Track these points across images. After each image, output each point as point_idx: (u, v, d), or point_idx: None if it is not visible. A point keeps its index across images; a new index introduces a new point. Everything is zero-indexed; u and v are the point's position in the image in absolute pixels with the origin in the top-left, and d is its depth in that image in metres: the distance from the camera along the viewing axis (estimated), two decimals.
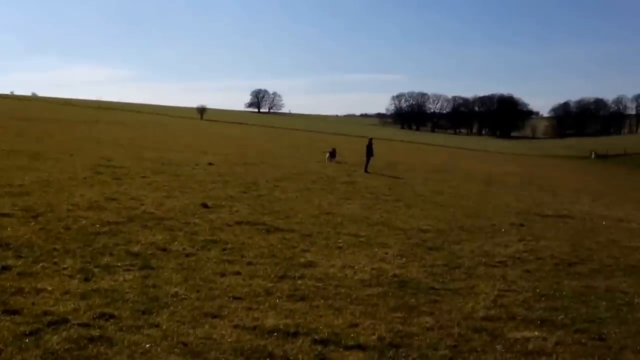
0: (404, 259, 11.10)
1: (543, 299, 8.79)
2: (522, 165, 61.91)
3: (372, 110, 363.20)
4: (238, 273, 9.35)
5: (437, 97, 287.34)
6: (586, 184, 39.59)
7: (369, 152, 33.34)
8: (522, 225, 16.34)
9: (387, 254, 11.52)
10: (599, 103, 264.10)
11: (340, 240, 12.50)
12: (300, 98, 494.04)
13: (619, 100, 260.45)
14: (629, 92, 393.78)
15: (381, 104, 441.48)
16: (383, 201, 19.96)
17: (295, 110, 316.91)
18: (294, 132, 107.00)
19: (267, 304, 7.95)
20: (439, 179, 32.77)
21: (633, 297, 9.09)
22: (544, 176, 45.53)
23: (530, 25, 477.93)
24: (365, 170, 32.18)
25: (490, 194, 26.05)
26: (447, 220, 16.51)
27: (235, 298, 8.10)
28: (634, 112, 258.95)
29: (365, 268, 10.23)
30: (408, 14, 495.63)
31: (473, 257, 11.55)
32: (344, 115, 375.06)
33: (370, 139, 34.89)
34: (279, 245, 11.58)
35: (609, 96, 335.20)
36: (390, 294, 8.75)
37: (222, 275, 9.17)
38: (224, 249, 10.85)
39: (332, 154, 38.96)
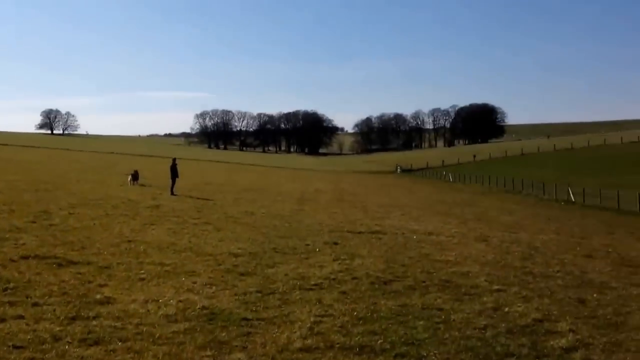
0: (214, 288, 10.52)
1: (361, 322, 8.69)
2: (332, 182, 64.20)
3: (177, 129, 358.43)
4: (21, 317, 8.31)
5: (242, 115, 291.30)
6: (395, 199, 41.84)
7: (174, 173, 32.46)
8: (335, 243, 16.52)
9: (195, 283, 10.86)
10: (399, 118, 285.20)
11: (142, 271, 11.62)
12: (98, 118, 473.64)
13: (416, 115, 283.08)
14: (425, 107, 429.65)
15: (186, 123, 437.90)
16: (191, 225, 19.23)
17: (93, 131, 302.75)
18: (92, 154, 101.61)
19: (54, 352, 7.05)
20: (250, 199, 32.63)
21: (449, 314, 9.31)
22: (354, 192, 47.45)
23: (333, 40, 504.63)
24: (172, 193, 31.18)
25: (303, 212, 26.34)
26: (259, 242, 16.21)
27: (15, 347, 7.14)
28: (431, 126, 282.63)
29: (171, 301, 9.51)
30: (205, 31, 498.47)
31: (288, 281, 11.28)
32: (147, 136, 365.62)
33: (174, 160, 34.04)
34: (72, 281, 10.49)
35: (407, 111, 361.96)
36: (198, 329, 8.13)
37: (1, 320, 8.06)
38: (5, 289, 9.64)
39: (135, 177, 37.39)
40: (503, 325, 8.83)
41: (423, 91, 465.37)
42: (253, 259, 13.45)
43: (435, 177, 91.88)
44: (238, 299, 9.75)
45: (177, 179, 32.59)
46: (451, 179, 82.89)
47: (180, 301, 9.53)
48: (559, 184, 56.42)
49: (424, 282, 11.81)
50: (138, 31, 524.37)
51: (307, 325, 8.37)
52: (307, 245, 16.04)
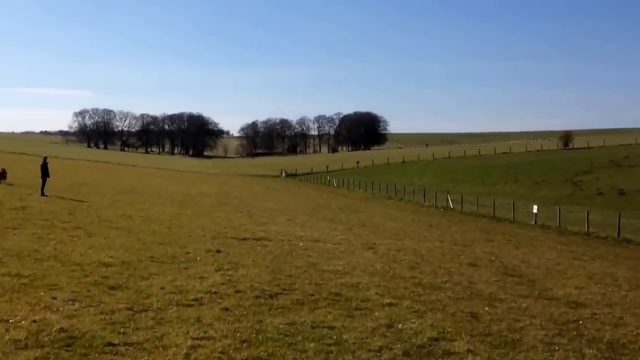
0: (77, 305, 9.14)
1: (245, 345, 7.63)
2: (216, 185, 62.50)
3: (55, 127, 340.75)
4: None
5: (125, 115, 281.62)
6: (280, 203, 41.01)
7: (44, 172, 30.02)
8: (218, 251, 15.37)
9: (55, 299, 9.43)
10: (285, 123, 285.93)
11: None
12: None
13: (302, 121, 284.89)
14: (310, 114, 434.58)
15: (64, 122, 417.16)
16: (60, 229, 17.42)
17: None
18: None
19: None
20: (129, 201, 30.69)
21: (341, 333, 8.45)
22: (238, 196, 46.18)
23: (223, 44, 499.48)
24: (42, 194, 28.76)
25: (184, 217, 24.89)
26: (135, 249, 14.78)
27: None
28: (316, 132, 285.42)
29: (23, 322, 8.08)
30: (88, 28, 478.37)
31: (163, 296, 10.05)
32: (22, 133, 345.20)
33: (45, 158, 31.59)
34: None
35: (293, 117, 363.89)
36: (52, 358, 6.83)
37: None
38: None
39: (2, 175, 34.42)
40: (399, 345, 8.09)
41: (308, 98, 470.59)
42: (126, 270, 12.07)
43: (319, 182, 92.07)
44: (104, 319, 8.44)
45: (48, 178, 30.18)
46: (335, 184, 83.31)
47: (34, 321, 8.12)
48: (438, 191, 57.89)
49: (313, 295, 10.96)
50: (18, 26, 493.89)
51: (183, 352, 7.22)
52: (188, 253, 14.79)
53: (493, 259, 18.68)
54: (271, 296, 10.64)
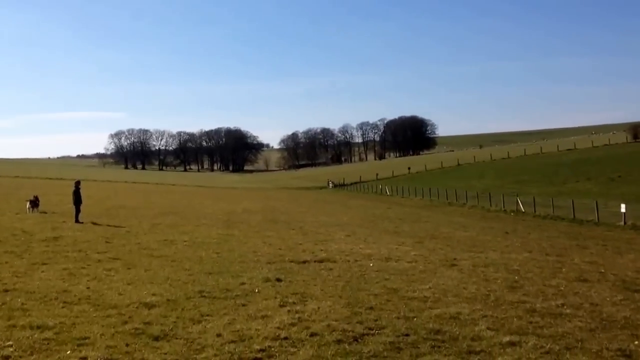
0: None
1: None
2: (261, 201, 61.08)
3: (91, 150, 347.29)
4: None
5: (161, 133, 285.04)
6: (334, 217, 39.16)
7: (77, 198, 28.89)
8: (279, 280, 13.54)
9: (85, 359, 7.73)
10: (326, 132, 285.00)
11: (9, 343, 8.37)
12: (4, 143, 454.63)
13: (344, 129, 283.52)
14: (353, 121, 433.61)
15: (100, 144, 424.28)
16: (94, 262, 15.89)
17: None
18: None
19: None
20: (170, 224, 29.25)
21: None
22: (286, 211, 44.52)
23: (256, 57, 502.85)
24: (76, 221, 27.61)
25: (232, 238, 23.22)
26: (181, 283, 13.08)
27: None
28: (360, 139, 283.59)
29: None
30: (118, 51, 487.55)
31: (221, 346, 8.22)
32: (58, 158, 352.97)
33: (77, 183, 30.40)
34: None
35: (334, 126, 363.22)
36: None
37: None
38: None
39: (34, 203, 33.53)
40: None
41: (350, 105, 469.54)
42: (172, 310, 10.34)
43: (370, 191, 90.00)
44: None
45: (81, 205, 29.03)
46: (388, 192, 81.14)
47: None
48: (502, 193, 55.30)
49: (407, 335, 9.02)
50: (51, 52, 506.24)
51: None
52: (243, 284, 13.01)
53: (602, 270, 16.41)
54: (356, 339, 8.73)
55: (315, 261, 17.14)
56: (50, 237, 21.37)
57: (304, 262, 16.97)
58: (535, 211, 45.32)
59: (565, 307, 11.28)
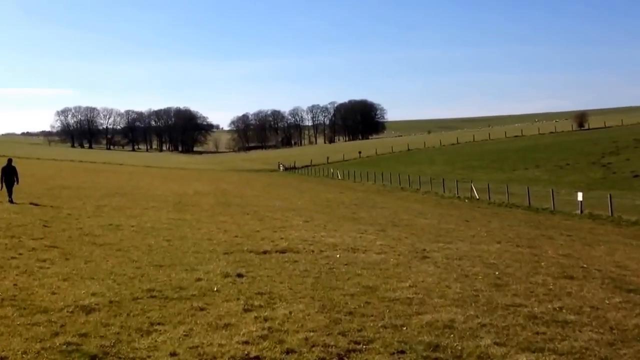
0: None
1: None
2: (212, 182, 58.84)
3: (36, 128, 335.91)
4: None
5: (109, 112, 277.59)
6: (288, 201, 37.38)
7: (9, 177, 26.30)
8: (240, 275, 11.74)
9: None
10: (277, 115, 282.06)
11: None
12: None
13: (295, 112, 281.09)
14: (303, 104, 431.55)
15: (47, 122, 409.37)
16: (28, 251, 13.81)
17: None
18: None
19: None
20: (117, 206, 27.04)
21: None
22: (239, 194, 42.55)
23: (207, 37, 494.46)
24: (10, 200, 25.19)
25: (184, 224, 21.26)
26: (127, 278, 11.18)
27: None
28: (310, 123, 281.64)
29: None
30: (67, 27, 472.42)
31: None
32: (2, 135, 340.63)
33: (9, 160, 27.69)
34: None
35: (285, 108, 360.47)
36: None
37: None
38: None
39: None
40: None
41: (301, 88, 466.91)
42: (115, 317, 8.48)
43: (321, 174, 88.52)
44: None
45: (13, 185, 26.44)
46: (340, 177, 79.79)
47: None
48: (451, 179, 54.59)
49: (403, 351, 7.40)
50: None
51: None
52: (199, 280, 11.20)
53: (584, 265, 15.16)
54: (342, 358, 7.08)
55: (276, 251, 15.41)
56: None
57: (265, 252, 15.23)
58: (489, 198, 44.56)
59: (565, 311, 9.86)
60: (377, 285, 11.35)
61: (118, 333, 7.71)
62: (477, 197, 45.71)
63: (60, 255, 13.22)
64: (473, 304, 10.14)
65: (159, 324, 8.20)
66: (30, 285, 10.24)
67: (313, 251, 15.65)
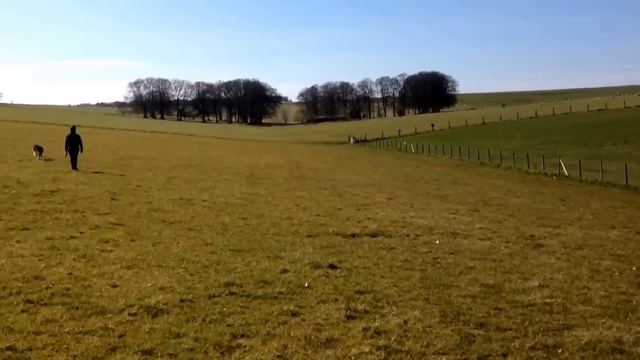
0: None
1: None
2: (283, 155, 57.34)
3: (111, 99, 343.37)
4: None
5: (180, 83, 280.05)
6: (364, 175, 35.39)
7: (73, 145, 25.40)
8: (332, 267, 9.88)
9: None
10: (346, 87, 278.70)
11: None
12: (26, 88, 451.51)
13: (364, 84, 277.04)
14: (372, 76, 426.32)
15: (120, 93, 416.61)
16: (91, 229, 12.30)
17: (19, 101, 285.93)
18: (6, 123, 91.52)
19: None
20: (188, 178, 25.68)
21: None
22: (312, 167, 40.81)
23: (268, 10, 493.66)
24: (74, 168, 24.74)
25: (259, 199, 19.59)
26: (201, 267, 9.46)
27: None
28: (379, 95, 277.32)
29: None
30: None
31: None
32: (78, 105, 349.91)
33: (73, 128, 26.69)
34: None
35: (354, 80, 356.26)
36: None
37: None
38: None
39: (38, 149, 30.18)
40: None
41: (370, 60, 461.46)
42: (187, 323, 6.74)
43: (393, 147, 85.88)
44: None
45: (79, 152, 25.58)
46: (413, 150, 77.10)
47: None
48: (533, 154, 51.37)
49: None
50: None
51: None
52: (285, 272, 9.39)
53: None
54: None
55: (367, 235, 13.50)
56: (47, 191, 17.82)
57: (354, 235, 13.34)
58: (580, 175, 41.32)
59: None
60: (499, 284, 9.30)
61: (191, 349, 5.95)
62: (566, 174, 42.52)
63: (125, 235, 11.64)
64: (630, 314, 7.99)
65: (242, 335, 6.41)
66: (88, 275, 8.63)
67: (408, 235, 13.67)
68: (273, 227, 13.81)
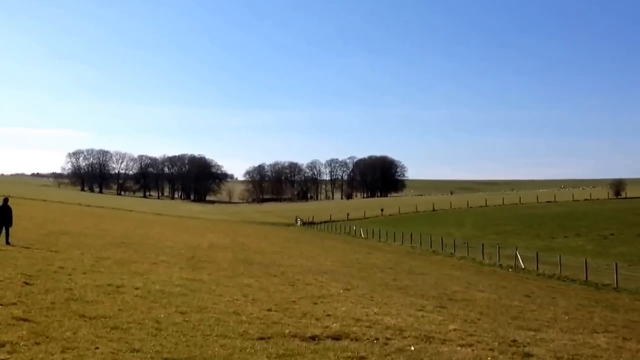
0: None
1: None
2: (227, 235, 55.08)
3: (47, 169, 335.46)
4: None
5: (122, 156, 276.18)
6: (314, 261, 33.42)
7: (4, 218, 23.40)
8: None
9: None
10: (294, 167, 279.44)
11: None
12: None
13: (313, 165, 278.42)
14: (322, 157, 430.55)
15: (57, 163, 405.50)
16: None
17: None
18: None
19: None
20: (120, 259, 23.31)
21: None
22: (259, 250, 38.69)
23: (226, 85, 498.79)
24: (7, 242, 23.28)
25: (203, 287, 17.43)
26: None
27: None
28: (328, 177, 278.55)
29: None
30: (82, 67, 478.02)
31: None
32: (12, 175, 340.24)
33: (5, 199, 24.80)
34: None
35: (303, 160, 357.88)
36: None
37: None
38: None
39: None
40: None
41: (319, 141, 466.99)
42: None
43: (342, 231, 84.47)
44: None
45: (10, 226, 23.60)
46: (363, 235, 75.73)
47: None
48: (484, 244, 50.59)
49: None
50: (10, 65, 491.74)
51: None
52: None
53: None
54: None
55: (329, 337, 11.55)
56: None
57: (313, 338, 11.36)
58: (537, 269, 40.35)
59: None
60: None
61: None
62: (523, 267, 41.51)
63: (29, 336, 9.36)
64: None
65: None
66: None
67: (377, 339, 11.76)
68: (217, 325, 11.71)
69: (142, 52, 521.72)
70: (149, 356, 8.85)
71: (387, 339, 11.92)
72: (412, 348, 11.25)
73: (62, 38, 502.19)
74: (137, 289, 15.60)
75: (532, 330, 15.07)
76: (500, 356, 11.27)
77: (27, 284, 14.67)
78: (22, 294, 13.07)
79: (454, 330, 13.85)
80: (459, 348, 11.71)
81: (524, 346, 12.56)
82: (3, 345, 8.67)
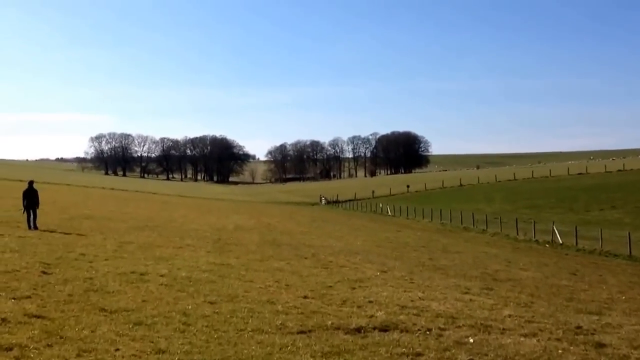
0: None
1: None
2: (252, 216, 54.05)
3: (71, 154, 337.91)
4: None
5: (143, 139, 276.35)
6: (343, 241, 32.20)
7: (30, 201, 23.37)
8: None
9: None
10: (316, 146, 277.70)
11: None
12: None
13: (335, 143, 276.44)
14: (344, 135, 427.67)
15: (81, 148, 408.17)
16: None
17: None
18: None
19: None
20: (144, 243, 22.31)
21: None
22: (285, 231, 37.58)
23: (247, 65, 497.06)
24: (31, 227, 23.30)
25: (231, 272, 16.33)
26: None
27: None
28: (350, 154, 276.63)
29: None
30: (103, 52, 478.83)
31: None
32: (36, 160, 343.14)
33: (30, 183, 24.49)
34: None
35: (324, 139, 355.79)
36: None
37: None
38: None
39: None
40: None
41: (341, 118, 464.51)
42: None
43: (368, 209, 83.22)
44: None
45: (36, 208, 24.05)
46: (390, 213, 74.40)
47: None
48: (516, 219, 48.95)
49: None
50: (33, 51, 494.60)
51: None
52: None
53: None
54: None
55: (376, 328, 10.39)
56: None
57: (359, 330, 10.21)
58: (576, 244, 38.82)
59: None
60: None
61: None
62: (561, 242, 39.98)
63: (41, 336, 8.27)
64: None
65: None
66: None
67: (430, 330, 10.57)
68: (252, 317, 10.58)
69: (159, 33, 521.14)
70: (176, 358, 7.73)
71: (440, 329, 10.74)
72: (471, 340, 10.06)
73: (79, 24, 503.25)
74: (162, 276, 14.54)
75: (593, 314, 13.80)
76: (572, 348, 10.03)
77: (45, 273, 13.67)
78: (38, 286, 12.03)
79: (510, 316, 12.64)
80: (522, 339, 10.49)
81: (592, 334, 11.33)
82: (10, 349, 7.58)
